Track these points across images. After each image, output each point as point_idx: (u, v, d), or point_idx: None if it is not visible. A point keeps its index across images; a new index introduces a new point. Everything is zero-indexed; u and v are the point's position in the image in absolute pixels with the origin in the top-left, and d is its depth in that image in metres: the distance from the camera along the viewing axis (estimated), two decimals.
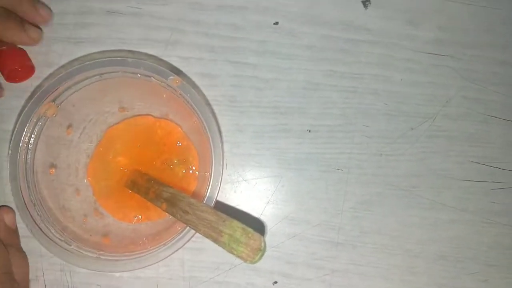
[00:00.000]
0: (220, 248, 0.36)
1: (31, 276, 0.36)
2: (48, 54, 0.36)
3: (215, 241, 0.25)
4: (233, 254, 0.23)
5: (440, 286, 0.37)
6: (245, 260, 0.23)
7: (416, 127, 0.38)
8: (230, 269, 0.36)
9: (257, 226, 0.36)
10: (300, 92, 0.37)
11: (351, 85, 0.37)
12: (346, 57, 0.38)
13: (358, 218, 0.37)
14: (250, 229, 0.23)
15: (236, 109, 0.37)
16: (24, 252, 0.35)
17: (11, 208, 0.34)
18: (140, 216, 0.34)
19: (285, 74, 0.37)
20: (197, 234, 0.28)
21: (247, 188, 0.37)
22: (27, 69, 0.34)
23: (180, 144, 0.35)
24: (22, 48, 0.35)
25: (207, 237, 0.25)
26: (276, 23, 0.37)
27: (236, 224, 0.24)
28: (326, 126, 0.37)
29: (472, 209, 0.38)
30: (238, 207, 0.36)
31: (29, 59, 0.35)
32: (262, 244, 0.23)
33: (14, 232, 0.34)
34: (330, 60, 0.37)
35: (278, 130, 0.37)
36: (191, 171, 0.34)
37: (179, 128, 0.35)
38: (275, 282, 0.36)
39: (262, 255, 0.23)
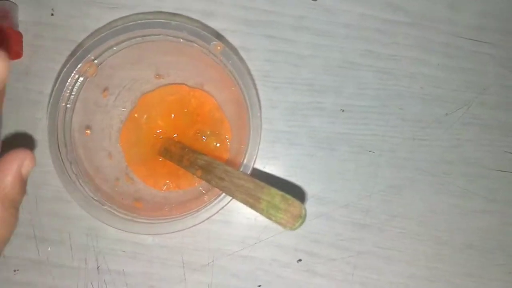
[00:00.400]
0: (246, 222, 0.37)
1: (57, 237, 0.36)
2: (82, 18, 0.36)
3: (253, 207, 0.24)
4: (272, 220, 0.23)
5: (465, 275, 0.37)
6: (284, 227, 0.23)
7: (451, 113, 0.37)
8: (255, 244, 0.36)
9: (297, 193, 0.36)
10: (335, 71, 0.37)
11: (387, 67, 0.37)
12: (383, 37, 0.37)
13: (387, 201, 0.36)
14: (289, 196, 0.23)
15: (270, 85, 0.37)
16: (17, 211, 0.24)
17: (32, 154, 0.26)
18: (170, 184, 0.33)
19: (322, 51, 0.37)
20: (226, 206, 0.28)
21: (276, 164, 0.36)
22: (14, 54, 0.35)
23: (213, 115, 0.34)
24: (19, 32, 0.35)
25: (244, 203, 0.25)
26: None
27: (275, 191, 0.24)
28: (360, 106, 0.36)
29: (503, 200, 0.37)
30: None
31: (21, 47, 0.35)
32: (303, 211, 0.22)
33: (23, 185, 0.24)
34: (367, 39, 0.37)
35: (312, 108, 0.36)
36: (222, 143, 0.34)
37: (213, 99, 0.34)
38: (299, 260, 0.36)
39: (303, 222, 0.22)
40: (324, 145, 0.36)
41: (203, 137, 0.34)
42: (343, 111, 0.36)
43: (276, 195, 0.23)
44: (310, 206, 0.36)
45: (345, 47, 0.37)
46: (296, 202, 0.23)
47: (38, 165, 0.37)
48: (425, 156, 0.37)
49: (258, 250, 0.36)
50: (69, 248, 0.36)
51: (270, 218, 0.23)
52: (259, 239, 0.36)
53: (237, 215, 0.36)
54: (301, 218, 0.22)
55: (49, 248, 0.36)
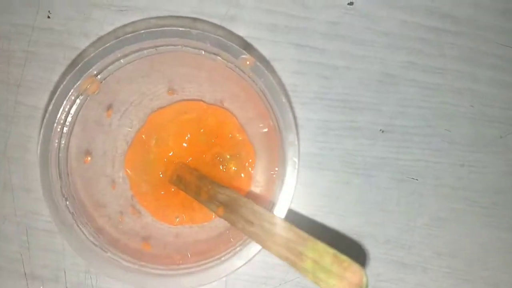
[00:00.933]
0: (270, 260, 0.32)
1: (50, 275, 0.31)
2: (86, 21, 0.31)
3: (294, 265, 0.20)
4: (321, 287, 0.18)
5: None
6: None
7: (505, 135, 0.32)
8: (280, 285, 0.31)
9: (350, 250, 0.31)
10: (373, 85, 0.32)
11: (432, 81, 0.32)
12: (427, 48, 0.32)
13: (432, 236, 0.32)
14: (344, 257, 0.18)
15: (297, 100, 0.32)
16: None
17: None
18: (184, 216, 0.29)
19: (357, 62, 0.32)
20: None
21: (304, 193, 0.31)
22: None
23: (233, 136, 0.30)
24: None
25: (280, 258, 0.20)
26: (351, 3, 0.32)
27: (324, 247, 0.19)
28: (401, 126, 0.32)
29: None
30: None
31: None
32: (364, 279, 0.17)
33: None
34: (409, 50, 0.32)
35: (346, 128, 0.32)
36: (244, 169, 0.29)
37: (235, 119, 0.30)
38: None
39: None
40: (360, 171, 0.31)
41: (221, 160, 0.29)
42: (382, 131, 0.32)
43: (326, 253, 0.19)
44: (345, 241, 0.31)
45: (384, 58, 0.32)
46: (355, 266, 0.18)
47: (29, 191, 0.32)
48: (475, 184, 0.32)
49: None
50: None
51: (318, 284, 0.18)
52: (285, 280, 0.31)
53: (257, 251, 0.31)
54: None
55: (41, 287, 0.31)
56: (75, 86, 0.23)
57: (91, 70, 0.23)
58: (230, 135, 0.30)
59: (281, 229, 0.21)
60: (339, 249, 0.19)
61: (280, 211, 0.23)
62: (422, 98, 0.32)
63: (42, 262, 0.31)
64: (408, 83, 0.32)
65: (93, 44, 0.31)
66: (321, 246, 0.19)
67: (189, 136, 0.29)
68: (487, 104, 0.32)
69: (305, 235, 0.20)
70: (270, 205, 0.23)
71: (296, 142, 0.23)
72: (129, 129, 0.29)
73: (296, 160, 0.23)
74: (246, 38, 0.31)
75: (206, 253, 0.24)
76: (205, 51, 0.23)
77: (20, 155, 0.32)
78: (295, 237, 0.20)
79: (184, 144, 0.29)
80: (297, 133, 0.28)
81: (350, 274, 0.18)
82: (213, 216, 0.29)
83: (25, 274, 0.31)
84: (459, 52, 0.32)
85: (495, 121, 0.32)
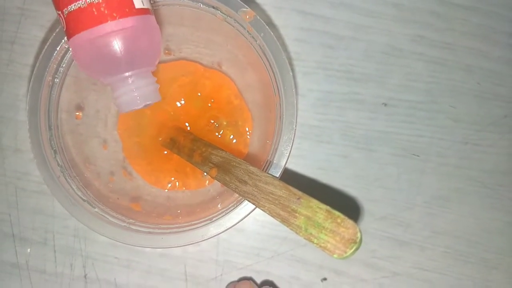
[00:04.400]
0: (263, 231, 0.31)
1: (38, 238, 0.30)
2: None
3: (285, 222, 0.19)
4: (313, 243, 0.18)
5: None
6: (331, 253, 0.17)
7: (511, 115, 0.31)
8: (272, 257, 0.30)
9: (344, 208, 0.30)
10: (379, 57, 0.31)
11: (440, 56, 0.31)
12: (438, 22, 0.31)
13: (431, 215, 0.31)
14: (338, 213, 0.17)
15: (299, 69, 0.31)
16: None
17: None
18: (176, 182, 0.28)
19: (364, 33, 0.31)
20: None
21: (302, 165, 0.31)
22: None
23: (231, 102, 0.29)
24: None
25: (273, 217, 0.19)
26: None
27: (317, 203, 0.18)
28: (406, 101, 0.31)
29: None
30: None
31: None
32: (358, 234, 0.17)
33: None
34: (419, 23, 0.31)
35: (348, 100, 0.31)
36: (241, 136, 0.28)
37: (233, 83, 0.29)
38: (324, 279, 0.30)
39: (357, 249, 0.17)
40: (361, 144, 0.30)
41: (217, 126, 0.28)
42: (385, 105, 0.31)
43: (319, 209, 0.18)
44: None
45: (392, 31, 0.31)
46: (348, 221, 0.17)
47: (20, 151, 0.31)
48: (478, 164, 0.31)
49: (275, 265, 0.30)
50: (52, 251, 0.30)
51: (310, 240, 0.18)
52: (277, 252, 0.30)
53: (252, 222, 0.31)
54: (356, 243, 0.17)
55: (28, 250, 0.31)
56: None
57: None
58: (228, 101, 0.29)
59: (275, 187, 0.20)
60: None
61: (275, 171, 0.22)
62: (429, 73, 0.31)
63: (31, 224, 0.31)
64: (415, 57, 0.31)
65: None
66: (315, 203, 0.18)
67: (184, 99, 0.28)
68: (494, 82, 0.31)
69: (299, 192, 0.19)
70: (265, 166, 0.23)
71: (295, 101, 0.22)
72: None
73: (293, 120, 0.22)
74: (246, 3, 0.30)
75: (197, 214, 0.23)
76: (203, 3, 0.22)
77: (11, 115, 0.31)
78: (289, 194, 0.19)
79: (179, 107, 0.28)
80: (297, 99, 0.27)
81: (344, 229, 0.17)
82: (206, 183, 0.28)
83: (13, 235, 0.31)
84: (470, 28, 0.31)
85: (502, 100, 0.31)
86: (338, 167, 0.30)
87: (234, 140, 0.29)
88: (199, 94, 0.28)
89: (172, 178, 0.28)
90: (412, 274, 0.31)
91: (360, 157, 0.30)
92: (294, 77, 0.31)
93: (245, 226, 0.31)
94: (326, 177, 0.30)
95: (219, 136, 0.28)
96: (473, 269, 0.31)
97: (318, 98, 0.31)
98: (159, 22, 0.25)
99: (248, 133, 0.28)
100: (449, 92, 0.31)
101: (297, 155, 0.31)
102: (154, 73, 0.27)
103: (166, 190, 0.28)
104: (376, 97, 0.31)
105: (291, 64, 0.31)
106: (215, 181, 0.24)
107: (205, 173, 0.24)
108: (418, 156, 0.31)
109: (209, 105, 0.28)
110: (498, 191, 0.31)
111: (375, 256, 0.30)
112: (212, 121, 0.28)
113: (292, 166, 0.31)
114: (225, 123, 0.28)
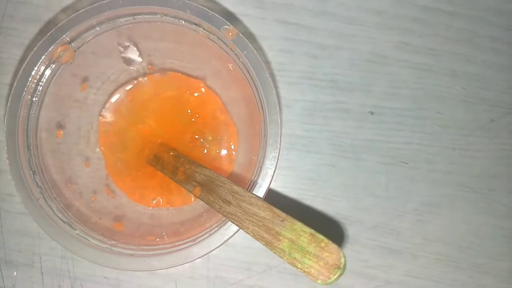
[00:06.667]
0: (254, 244, 0.31)
1: (25, 260, 0.30)
2: None
3: (269, 245, 0.18)
4: (297, 267, 0.17)
5: None
6: (315, 279, 0.17)
7: (498, 119, 0.31)
8: (264, 270, 0.30)
9: (328, 231, 0.30)
10: (364, 65, 0.31)
11: (425, 62, 0.31)
12: (422, 28, 0.31)
13: (422, 222, 0.30)
14: (322, 236, 0.17)
15: (284, 80, 0.31)
16: None
17: None
18: (160, 200, 0.27)
19: (348, 41, 0.31)
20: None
21: (290, 176, 0.30)
22: None
23: (216, 117, 0.28)
24: None
25: (256, 239, 0.19)
26: None
27: (301, 226, 0.18)
28: (392, 109, 0.31)
29: None
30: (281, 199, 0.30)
31: None
32: (342, 260, 0.16)
33: None
34: (402, 30, 0.31)
35: (334, 109, 0.30)
36: (226, 152, 0.28)
37: (217, 98, 0.28)
38: None
39: (341, 274, 0.16)
40: (349, 154, 0.30)
41: (202, 141, 0.28)
42: (372, 113, 0.31)
43: (303, 232, 0.17)
44: (332, 227, 0.30)
45: (376, 38, 0.31)
46: (332, 246, 0.16)
47: (2, 172, 0.31)
48: (467, 169, 0.31)
49: (267, 278, 0.30)
50: (39, 273, 0.30)
51: (294, 265, 0.17)
52: (269, 265, 0.30)
53: (242, 235, 0.30)
54: (340, 269, 0.16)
55: (15, 273, 0.30)
56: (46, 52, 0.22)
57: (64, 36, 0.22)
58: (213, 116, 0.29)
59: (259, 208, 0.19)
60: (324, 234, 0.18)
61: (259, 191, 0.22)
62: (414, 80, 0.31)
63: (17, 246, 0.30)
64: (400, 64, 0.31)
65: (69, 7, 0.29)
66: (299, 226, 0.18)
67: (168, 114, 0.28)
68: (480, 86, 0.31)
69: (283, 214, 0.19)
70: (249, 186, 0.22)
71: (279, 119, 0.22)
72: (105, 105, 0.27)
73: (278, 139, 0.22)
74: (231, 14, 0.30)
75: (182, 234, 0.23)
76: (185, 20, 0.22)
77: None
78: (273, 216, 0.19)
79: (163, 123, 0.28)
80: (281, 113, 0.27)
81: (328, 254, 0.16)
82: (192, 200, 0.28)
83: None
84: (454, 33, 0.31)
85: (487, 104, 0.31)
86: (326, 177, 0.30)
87: (220, 155, 0.28)
88: (184, 109, 0.28)
89: (158, 197, 0.28)
90: (405, 282, 0.30)
91: (349, 166, 0.30)
92: (278, 88, 0.30)
93: (235, 241, 0.30)
94: (315, 187, 0.30)
95: (205, 151, 0.28)
96: (465, 275, 0.31)
97: (304, 108, 0.30)
98: (142, 35, 0.25)
99: (233, 148, 0.28)
100: (435, 98, 0.31)
101: (285, 166, 0.30)
102: (137, 88, 0.27)
103: (151, 208, 0.27)
104: (362, 105, 0.30)
105: (275, 76, 0.30)
106: None
107: (189, 192, 0.24)
108: (406, 163, 0.31)
109: (194, 120, 0.28)
110: (488, 195, 0.31)
111: (367, 265, 0.30)
112: (197, 137, 0.28)
113: (280, 177, 0.30)
114: (210, 138, 0.28)
